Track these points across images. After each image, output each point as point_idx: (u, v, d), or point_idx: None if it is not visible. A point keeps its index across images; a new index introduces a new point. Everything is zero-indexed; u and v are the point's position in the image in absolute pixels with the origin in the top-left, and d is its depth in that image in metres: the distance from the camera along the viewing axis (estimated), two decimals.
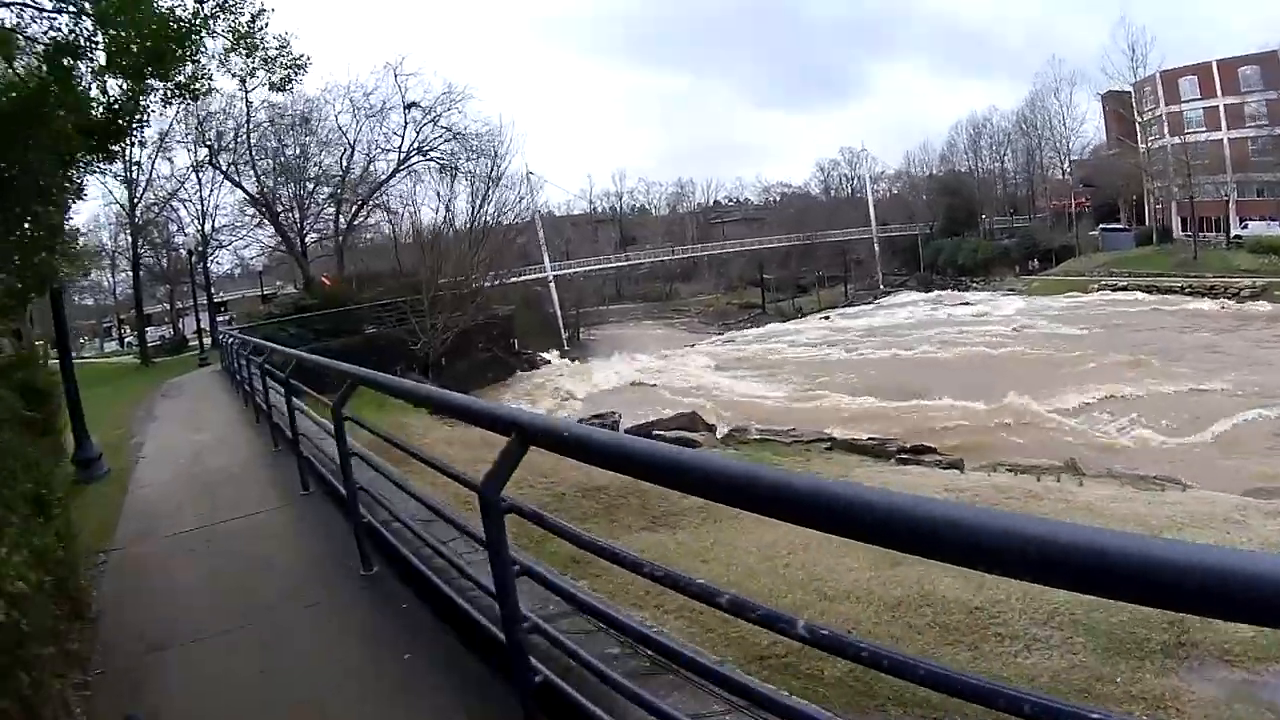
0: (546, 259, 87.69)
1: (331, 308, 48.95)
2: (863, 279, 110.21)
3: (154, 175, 58.42)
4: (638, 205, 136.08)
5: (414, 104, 62.85)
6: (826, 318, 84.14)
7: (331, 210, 65.52)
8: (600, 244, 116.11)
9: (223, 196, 64.25)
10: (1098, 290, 76.68)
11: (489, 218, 57.30)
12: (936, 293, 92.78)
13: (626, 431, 26.17)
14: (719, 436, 28.30)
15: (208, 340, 53.60)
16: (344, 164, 64.32)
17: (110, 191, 56.29)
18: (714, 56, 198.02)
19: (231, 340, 27.09)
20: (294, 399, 11.72)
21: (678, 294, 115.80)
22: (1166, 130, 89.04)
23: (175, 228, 68.88)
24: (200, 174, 62.01)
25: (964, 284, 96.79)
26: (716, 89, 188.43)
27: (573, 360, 66.00)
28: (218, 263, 71.39)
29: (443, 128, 63.34)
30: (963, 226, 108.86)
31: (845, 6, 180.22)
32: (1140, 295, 71.95)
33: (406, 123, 63.57)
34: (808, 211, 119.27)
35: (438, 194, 58.74)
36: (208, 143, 59.16)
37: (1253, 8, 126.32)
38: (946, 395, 38.07)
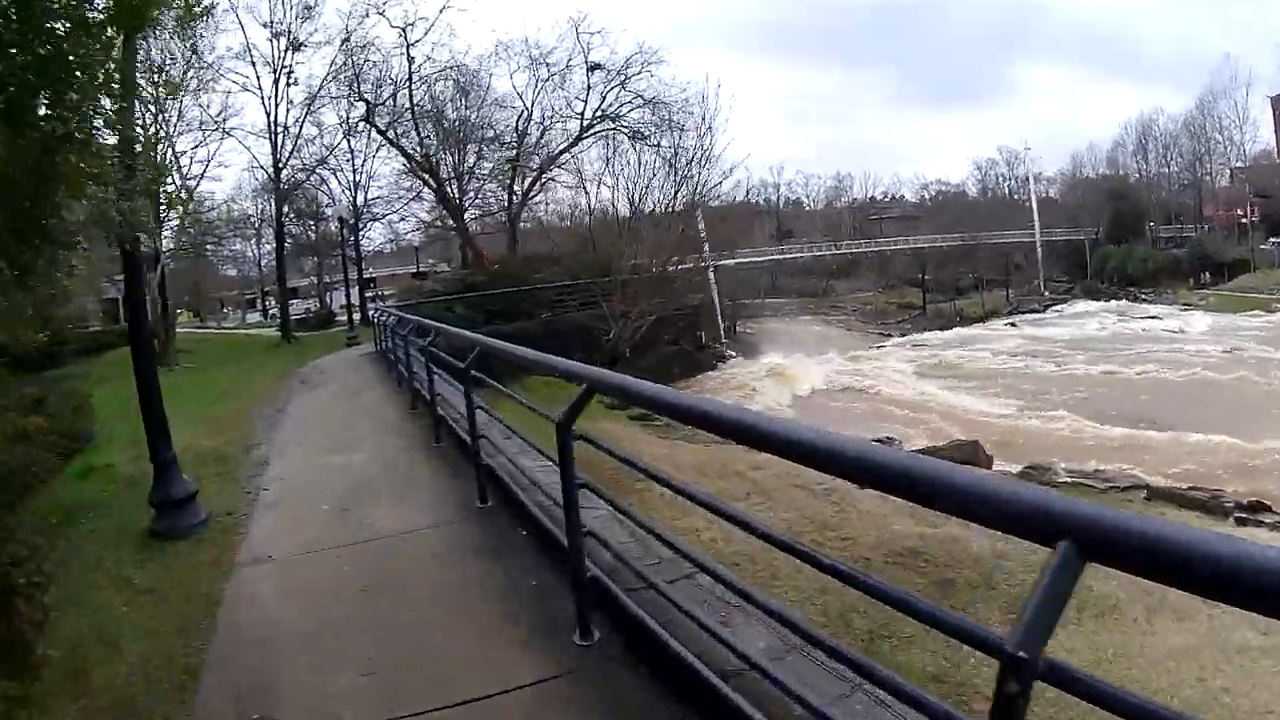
0: (707, 248, 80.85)
1: (501, 288, 42.39)
2: (1021, 285, 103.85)
3: (301, 135, 51.13)
4: (794, 198, 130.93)
5: (598, 65, 53.34)
6: (1013, 324, 77.53)
7: (496, 184, 56.89)
8: (755, 236, 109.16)
9: (377, 166, 57.88)
10: None
11: (693, 195, 48.56)
12: (1114, 303, 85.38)
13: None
14: (1014, 474, 21.97)
15: (356, 316, 48.65)
16: (519, 129, 54.64)
17: (255, 156, 49.87)
18: (866, 56, 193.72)
19: (390, 318, 21.13)
20: (579, 485, 5.21)
21: (834, 290, 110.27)
22: None
23: (326, 199, 60.67)
24: (352, 138, 55.31)
25: (1133, 294, 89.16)
26: (869, 88, 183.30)
27: (738, 355, 59.07)
28: (369, 238, 64.81)
29: (631, 92, 53.39)
30: (1128, 233, 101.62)
31: (990, 9, 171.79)
32: None
33: (590, 86, 53.72)
34: (965, 211, 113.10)
35: (635, 165, 49.72)
36: (364, 96, 51.52)
37: None
38: (1197, 427, 31.06)
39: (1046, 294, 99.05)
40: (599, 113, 53.11)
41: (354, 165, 57.60)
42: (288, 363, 30.93)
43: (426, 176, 54.18)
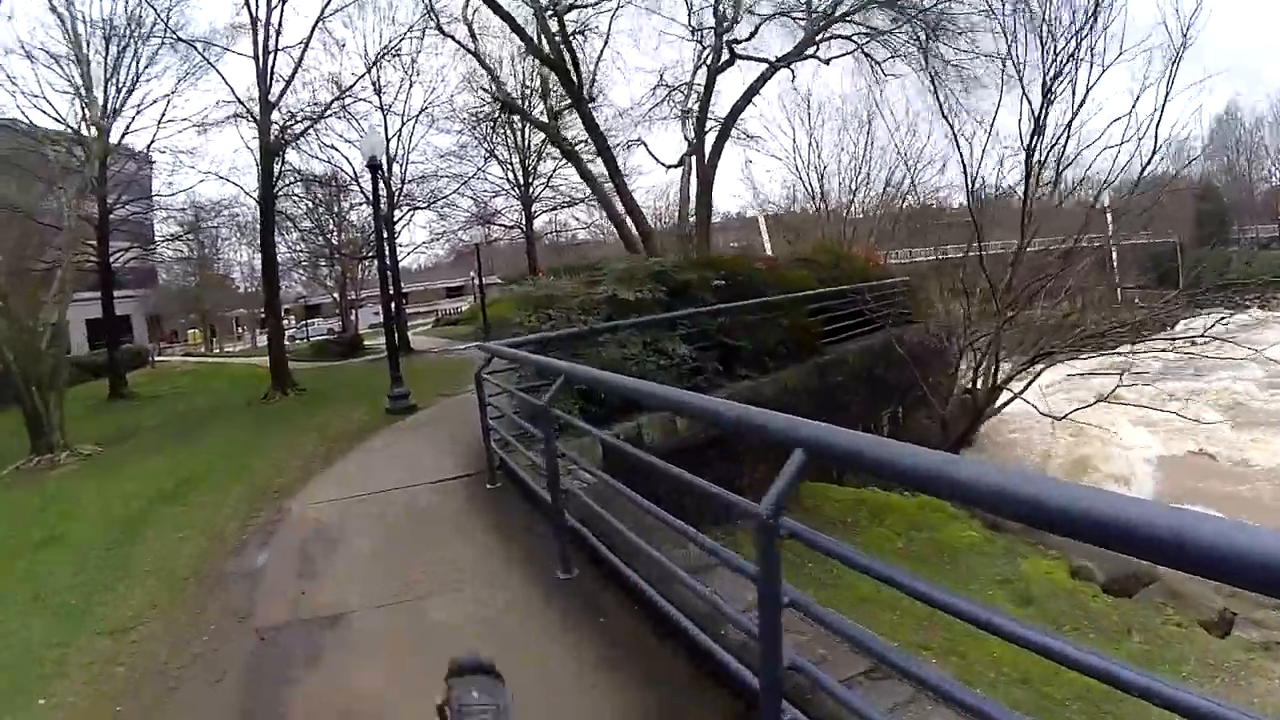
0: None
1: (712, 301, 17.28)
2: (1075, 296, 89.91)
3: (305, 56, 27.55)
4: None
5: None
6: (1194, 342, 62.75)
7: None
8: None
9: (421, 131, 41.07)
10: None
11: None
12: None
13: None
14: None
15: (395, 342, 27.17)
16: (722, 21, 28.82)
17: (231, 87, 27.37)
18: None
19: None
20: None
21: None
22: None
23: (341, 169, 39.21)
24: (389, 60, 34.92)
25: (1235, 302, 75.34)
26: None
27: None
28: (404, 243, 45.60)
29: None
30: (1213, 235, 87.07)
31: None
32: None
33: None
34: (1015, 215, 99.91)
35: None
36: None
37: None
38: None
39: (1138, 302, 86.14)
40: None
41: (384, 111, 38.31)
42: (261, 472, 13.35)
43: (548, 72, 30.42)
